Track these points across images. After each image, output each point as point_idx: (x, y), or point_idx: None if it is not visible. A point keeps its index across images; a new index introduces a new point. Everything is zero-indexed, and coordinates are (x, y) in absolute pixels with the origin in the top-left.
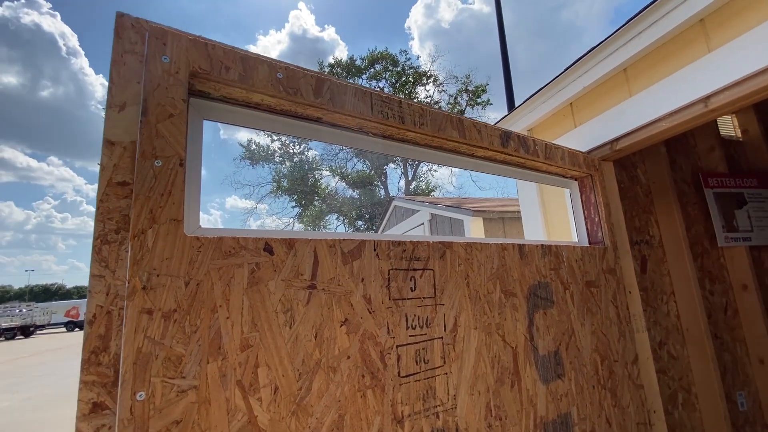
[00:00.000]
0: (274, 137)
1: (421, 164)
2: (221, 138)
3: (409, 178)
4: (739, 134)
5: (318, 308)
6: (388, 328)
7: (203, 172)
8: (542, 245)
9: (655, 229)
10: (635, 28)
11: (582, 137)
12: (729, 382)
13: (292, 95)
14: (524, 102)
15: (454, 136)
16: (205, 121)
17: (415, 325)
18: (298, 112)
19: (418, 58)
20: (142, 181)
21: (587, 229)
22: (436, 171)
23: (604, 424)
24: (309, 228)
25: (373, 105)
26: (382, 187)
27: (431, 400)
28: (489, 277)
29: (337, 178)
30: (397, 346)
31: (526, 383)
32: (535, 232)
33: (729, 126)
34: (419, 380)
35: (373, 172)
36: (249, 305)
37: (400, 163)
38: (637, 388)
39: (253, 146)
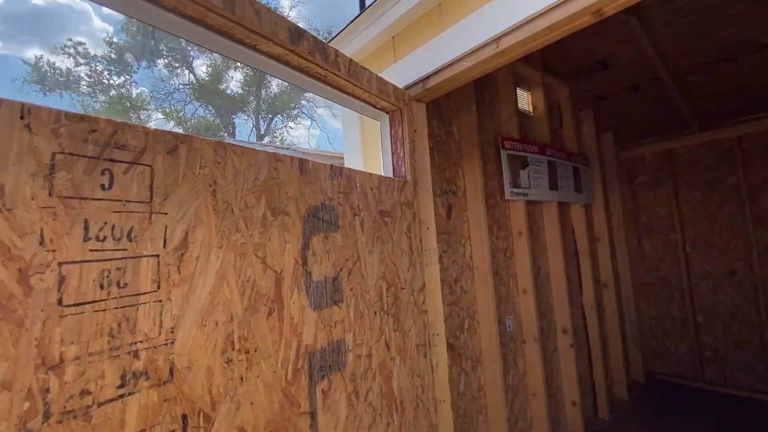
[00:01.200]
0: (80, 59)
1: (275, 118)
2: None
3: (261, 132)
4: (531, 109)
5: None
6: (41, 236)
7: None
8: (331, 165)
9: (462, 182)
10: None
11: (400, 72)
12: (502, 310)
13: None
14: (348, 25)
15: (218, 6)
16: None
17: (106, 237)
18: None
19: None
20: None
21: (393, 163)
22: (292, 128)
23: (382, 347)
24: None
25: None
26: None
27: (127, 336)
28: (250, 189)
29: (172, 122)
30: (61, 264)
31: (291, 311)
32: (355, 166)
33: (525, 101)
34: (105, 310)
35: (218, 120)
36: None
37: (252, 115)
38: (421, 313)
39: (46, 67)
